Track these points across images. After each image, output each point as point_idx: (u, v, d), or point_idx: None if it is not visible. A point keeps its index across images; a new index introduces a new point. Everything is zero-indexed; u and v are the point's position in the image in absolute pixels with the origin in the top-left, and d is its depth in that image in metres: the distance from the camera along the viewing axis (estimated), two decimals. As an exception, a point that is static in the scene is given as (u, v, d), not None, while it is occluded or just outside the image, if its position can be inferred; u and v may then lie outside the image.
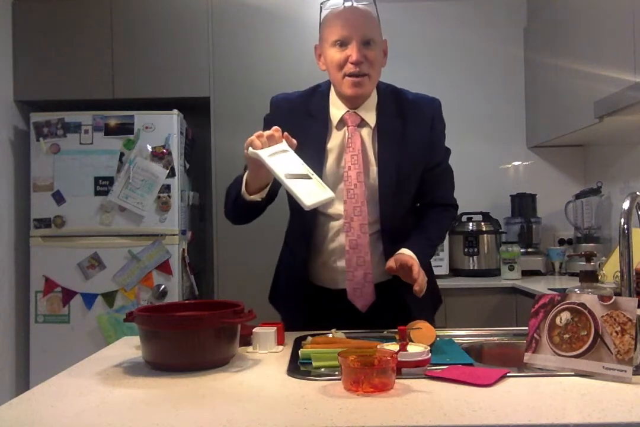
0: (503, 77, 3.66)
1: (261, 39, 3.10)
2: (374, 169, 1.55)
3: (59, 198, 2.97)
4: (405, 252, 1.50)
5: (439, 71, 3.63)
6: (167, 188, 2.95)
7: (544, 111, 3.36)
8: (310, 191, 1.30)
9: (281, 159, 1.33)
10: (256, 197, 1.46)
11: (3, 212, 3.01)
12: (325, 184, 1.34)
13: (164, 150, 2.95)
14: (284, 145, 1.36)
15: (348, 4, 1.51)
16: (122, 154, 2.95)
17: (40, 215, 2.98)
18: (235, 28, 3.11)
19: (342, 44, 1.49)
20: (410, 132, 1.57)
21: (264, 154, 1.32)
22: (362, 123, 1.57)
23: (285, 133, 1.37)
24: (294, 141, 1.38)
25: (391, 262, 1.46)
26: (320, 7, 1.52)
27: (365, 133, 1.57)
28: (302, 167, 1.34)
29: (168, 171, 2.94)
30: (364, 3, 1.51)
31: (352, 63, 1.48)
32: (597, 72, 2.63)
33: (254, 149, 1.34)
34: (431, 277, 1.76)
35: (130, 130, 2.96)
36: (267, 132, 1.36)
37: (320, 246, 1.60)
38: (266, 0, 3.09)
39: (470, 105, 3.64)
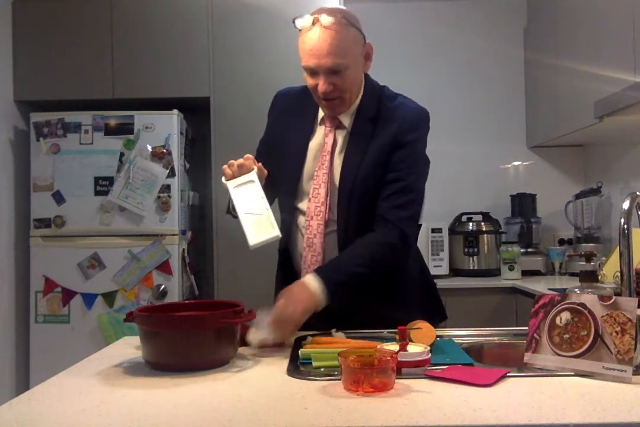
0: (503, 77, 3.66)
1: (261, 39, 3.10)
2: (339, 170, 1.58)
3: (59, 198, 2.97)
4: (305, 278, 1.44)
5: (439, 71, 3.63)
6: (167, 188, 2.95)
7: (544, 111, 3.36)
8: (259, 230, 1.38)
9: (244, 191, 1.43)
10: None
11: (3, 212, 3.01)
12: (274, 222, 1.39)
13: (164, 150, 2.95)
14: (252, 175, 1.43)
15: (316, 26, 1.45)
16: (122, 154, 2.95)
17: (40, 215, 2.97)
18: (235, 28, 3.11)
19: (311, 73, 1.51)
20: (377, 136, 1.56)
21: (231, 185, 1.44)
22: (340, 125, 1.60)
23: (259, 164, 1.46)
24: (265, 171, 1.47)
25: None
26: (293, 21, 1.49)
27: (342, 135, 1.60)
28: (260, 202, 1.41)
29: (168, 171, 2.94)
30: (332, 24, 1.44)
31: (320, 93, 1.51)
32: (597, 72, 2.63)
33: (225, 178, 1.45)
34: (428, 288, 1.74)
35: (130, 130, 2.96)
36: (238, 161, 1.44)
37: (297, 240, 1.62)
38: (266, 0, 3.09)
39: (470, 105, 3.64)
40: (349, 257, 1.50)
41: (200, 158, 3.36)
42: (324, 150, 1.58)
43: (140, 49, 3.11)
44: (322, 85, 1.49)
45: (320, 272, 1.45)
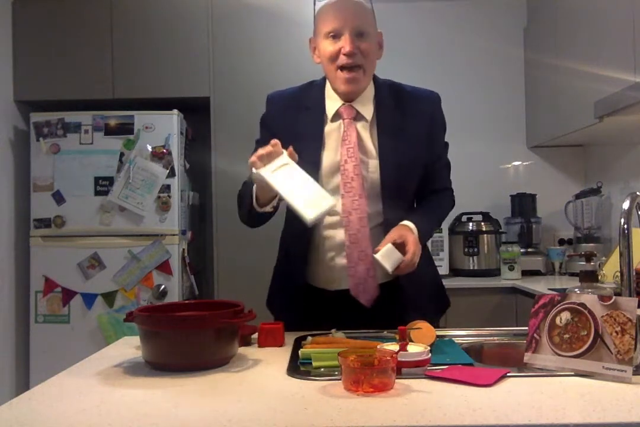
0: (503, 77, 3.66)
1: (261, 39, 3.10)
2: (373, 162, 1.54)
3: (59, 198, 2.97)
4: (406, 223, 1.50)
5: (439, 71, 3.63)
6: (167, 188, 2.95)
7: (544, 111, 3.36)
8: (311, 203, 1.32)
9: (282, 173, 1.34)
10: (267, 209, 1.47)
11: (3, 212, 3.01)
12: (325, 192, 1.34)
13: (164, 150, 2.95)
14: (284, 158, 1.35)
15: None
16: (122, 154, 2.95)
17: (40, 215, 2.98)
18: (235, 28, 3.11)
19: (335, 35, 1.49)
20: (410, 126, 1.56)
21: (266, 172, 1.34)
22: (358, 116, 1.56)
23: (290, 148, 1.36)
24: (296, 156, 1.37)
25: (392, 235, 1.44)
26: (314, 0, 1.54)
27: (362, 126, 1.56)
28: (303, 178, 1.34)
29: (168, 171, 2.95)
30: None
31: (344, 54, 1.47)
32: (597, 72, 2.63)
33: (256, 169, 1.35)
34: (436, 277, 1.75)
35: (130, 130, 2.96)
36: (266, 150, 1.34)
37: (317, 243, 1.58)
38: (266, 0, 3.09)
39: (470, 105, 3.64)
40: (433, 215, 1.64)
41: (200, 158, 3.36)
42: (348, 143, 1.52)
43: (140, 49, 3.11)
44: (348, 45, 1.46)
45: (416, 223, 1.50)
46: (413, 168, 1.57)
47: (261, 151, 1.35)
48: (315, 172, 1.54)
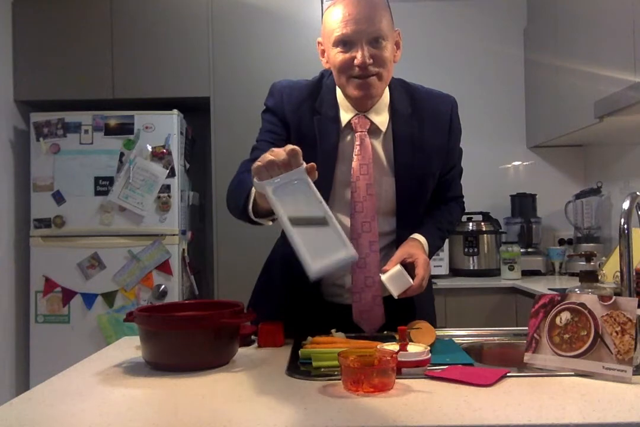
0: (503, 77, 3.66)
1: (261, 39, 3.10)
2: (389, 178, 1.43)
3: (59, 198, 2.97)
4: (417, 238, 1.43)
5: (439, 71, 3.63)
6: (167, 188, 2.95)
7: (544, 111, 3.36)
8: (322, 248, 0.95)
9: (292, 192, 0.98)
10: (265, 222, 1.26)
11: (3, 212, 3.01)
12: (343, 235, 0.97)
13: (164, 150, 2.95)
14: (300, 172, 0.99)
15: None
16: (122, 154, 2.95)
17: (40, 215, 2.98)
18: (235, 28, 3.11)
19: (346, 44, 1.33)
20: (427, 137, 1.44)
21: (269, 188, 0.98)
22: (373, 127, 1.42)
23: (311, 164, 1.01)
24: (316, 174, 1.02)
25: (402, 253, 1.36)
26: None
27: (377, 139, 1.43)
28: (316, 207, 0.98)
29: (168, 171, 2.94)
30: None
31: (357, 66, 1.33)
32: (597, 72, 2.63)
33: (260, 180, 1.00)
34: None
35: (130, 130, 2.96)
36: (280, 158, 0.99)
37: None
38: (266, 0, 3.09)
39: (470, 105, 3.63)
40: (444, 228, 1.55)
41: (200, 158, 3.36)
42: (363, 159, 1.38)
43: (140, 49, 3.11)
44: (361, 56, 1.31)
45: (427, 237, 1.45)
46: (429, 181, 1.48)
47: (270, 157, 0.99)
48: (329, 187, 1.40)
